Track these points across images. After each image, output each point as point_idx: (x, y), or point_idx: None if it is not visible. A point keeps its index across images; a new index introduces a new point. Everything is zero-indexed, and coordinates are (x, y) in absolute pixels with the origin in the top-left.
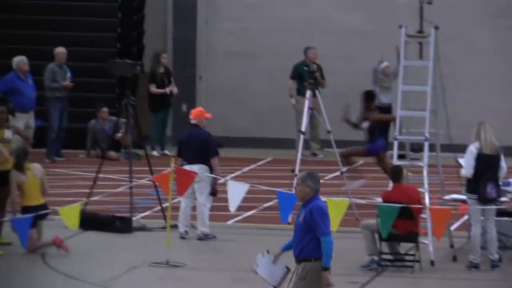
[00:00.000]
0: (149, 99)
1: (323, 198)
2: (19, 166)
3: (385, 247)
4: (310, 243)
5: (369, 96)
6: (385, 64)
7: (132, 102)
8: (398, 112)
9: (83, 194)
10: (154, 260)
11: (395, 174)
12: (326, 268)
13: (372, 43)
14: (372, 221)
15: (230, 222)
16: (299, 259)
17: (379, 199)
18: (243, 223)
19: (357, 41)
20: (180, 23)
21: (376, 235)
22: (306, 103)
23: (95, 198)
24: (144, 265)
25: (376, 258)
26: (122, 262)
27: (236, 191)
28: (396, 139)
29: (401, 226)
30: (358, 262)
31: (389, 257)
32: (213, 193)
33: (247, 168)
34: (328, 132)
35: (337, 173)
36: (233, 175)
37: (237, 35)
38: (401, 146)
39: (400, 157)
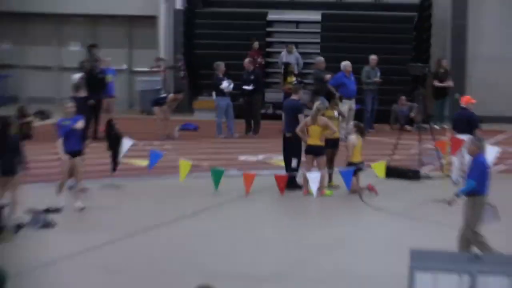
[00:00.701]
0: (433, 90)
1: None
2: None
3: None
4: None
5: None
6: None
7: (422, 92)
8: None
9: (388, 154)
10: (435, 198)
11: None
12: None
13: None
14: None
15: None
16: None
17: None
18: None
19: None
20: (454, 38)
21: None
22: None
23: (396, 156)
24: (427, 201)
25: None
26: (408, 198)
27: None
28: None
29: None
30: None
31: None
32: None
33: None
34: None
35: None
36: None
37: (496, 46)
38: None
39: None
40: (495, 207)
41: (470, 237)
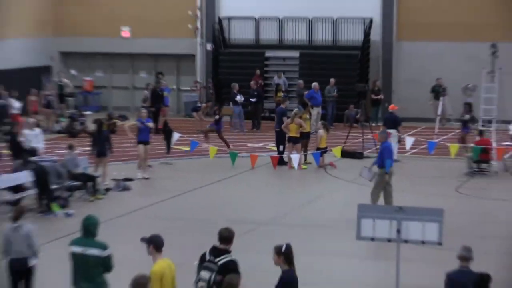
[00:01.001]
0: (370, 101)
1: None
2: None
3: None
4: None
5: None
6: None
7: (363, 102)
8: None
9: (342, 142)
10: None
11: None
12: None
13: None
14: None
15: None
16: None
17: None
18: None
19: None
20: (384, 67)
21: None
22: None
23: (348, 143)
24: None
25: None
26: (356, 170)
27: None
28: None
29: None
30: None
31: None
32: None
33: None
34: None
35: None
36: None
37: (411, 72)
38: None
39: None
40: (371, 168)
41: (377, 193)
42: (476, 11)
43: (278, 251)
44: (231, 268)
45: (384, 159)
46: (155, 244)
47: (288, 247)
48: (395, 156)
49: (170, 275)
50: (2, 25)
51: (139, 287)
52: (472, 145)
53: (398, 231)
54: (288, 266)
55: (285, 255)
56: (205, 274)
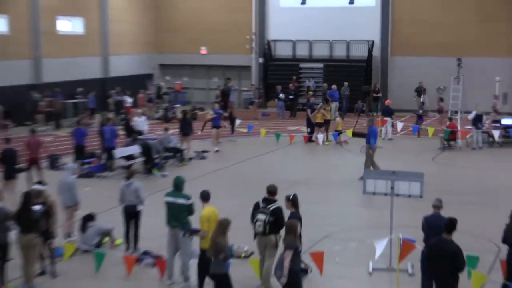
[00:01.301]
0: (373, 98)
1: None
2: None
3: None
4: None
5: None
6: None
7: (368, 99)
8: None
9: (353, 126)
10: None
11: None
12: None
13: None
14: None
15: None
16: None
17: None
18: None
19: None
20: (382, 75)
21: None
22: None
23: (357, 127)
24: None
25: None
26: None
27: None
28: None
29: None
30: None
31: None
32: None
33: None
34: None
35: None
36: None
37: (400, 79)
38: None
39: None
40: (364, 146)
41: (370, 161)
42: (446, 36)
43: (287, 198)
44: (278, 212)
45: (369, 138)
46: (202, 197)
47: (295, 196)
48: (390, 136)
49: (214, 218)
50: (121, 46)
51: (223, 224)
52: (444, 128)
53: (392, 188)
54: (295, 209)
55: (292, 201)
56: (261, 216)
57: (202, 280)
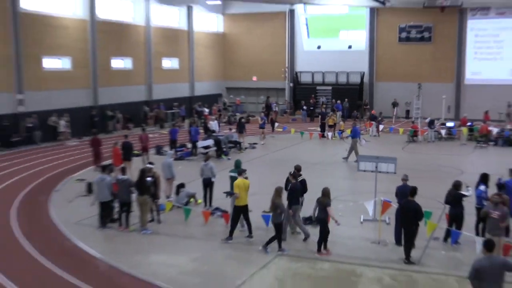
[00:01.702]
0: (363, 108)
1: None
2: None
3: None
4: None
5: None
6: None
7: (361, 110)
8: None
9: (350, 128)
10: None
11: None
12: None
13: None
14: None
15: None
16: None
17: None
18: None
19: None
20: (370, 93)
21: None
22: None
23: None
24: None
25: None
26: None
27: None
28: None
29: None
30: None
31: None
32: None
33: None
34: None
35: None
36: None
37: (385, 95)
38: None
39: None
40: (360, 140)
41: (354, 149)
42: (411, 69)
43: (290, 173)
44: (304, 182)
45: (353, 134)
46: (238, 172)
47: (295, 168)
48: (374, 133)
49: (244, 186)
50: (201, 75)
51: (278, 190)
52: (410, 128)
53: (376, 167)
54: (295, 180)
55: (292, 175)
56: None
57: (234, 226)
